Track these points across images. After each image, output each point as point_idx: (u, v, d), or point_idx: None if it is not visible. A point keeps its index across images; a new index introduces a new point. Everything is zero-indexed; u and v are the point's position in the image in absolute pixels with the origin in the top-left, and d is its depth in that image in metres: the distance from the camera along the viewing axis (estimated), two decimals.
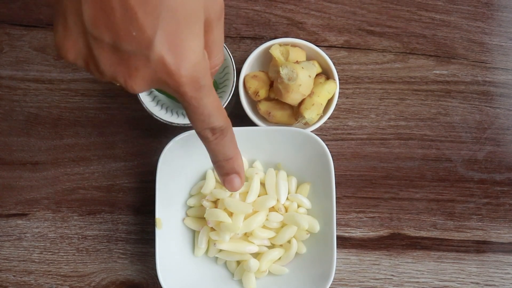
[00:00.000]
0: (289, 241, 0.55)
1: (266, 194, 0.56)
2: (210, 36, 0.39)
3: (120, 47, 0.35)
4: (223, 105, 0.58)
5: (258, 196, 0.55)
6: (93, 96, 0.61)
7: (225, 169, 0.46)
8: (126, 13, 0.34)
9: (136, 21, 0.34)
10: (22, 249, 0.60)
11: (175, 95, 0.38)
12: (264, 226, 0.55)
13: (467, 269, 0.59)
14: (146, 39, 0.35)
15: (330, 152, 0.54)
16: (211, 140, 0.43)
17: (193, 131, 0.54)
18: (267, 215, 0.55)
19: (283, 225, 0.55)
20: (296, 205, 0.56)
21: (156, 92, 0.57)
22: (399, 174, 0.60)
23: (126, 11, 0.34)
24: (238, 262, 0.56)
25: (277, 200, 0.55)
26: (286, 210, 0.55)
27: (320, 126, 0.58)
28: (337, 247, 0.55)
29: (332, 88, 0.57)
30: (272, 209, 0.55)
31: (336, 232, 0.54)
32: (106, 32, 0.35)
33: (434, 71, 0.61)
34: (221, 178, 0.47)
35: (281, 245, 0.56)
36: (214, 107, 0.40)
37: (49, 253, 0.60)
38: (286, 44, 0.58)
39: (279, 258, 0.56)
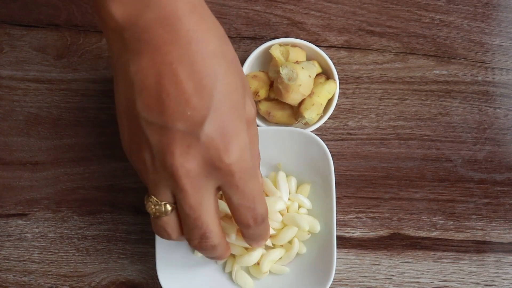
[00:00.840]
0: (290, 242, 0.55)
1: (267, 195, 0.56)
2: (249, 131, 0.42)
3: (174, 127, 0.38)
4: None
5: None
6: (93, 96, 0.61)
7: (256, 242, 0.49)
8: (182, 97, 0.38)
9: (191, 103, 0.38)
10: (22, 249, 0.60)
11: (222, 179, 0.40)
12: None
13: (467, 269, 0.59)
14: (199, 119, 0.38)
15: (330, 152, 0.54)
16: (252, 227, 0.44)
17: None
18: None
19: (284, 225, 0.55)
20: (297, 206, 0.56)
21: None
22: (399, 174, 0.60)
23: (182, 95, 0.37)
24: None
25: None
26: (287, 210, 0.55)
27: (320, 126, 0.58)
28: (337, 247, 0.55)
29: (332, 88, 0.57)
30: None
31: (336, 232, 0.54)
32: (160, 115, 0.38)
33: (434, 71, 0.61)
34: (250, 243, 0.49)
35: (281, 245, 0.56)
36: (259, 193, 0.42)
37: (49, 253, 0.60)
38: (286, 44, 0.58)
39: (280, 258, 0.56)
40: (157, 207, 0.42)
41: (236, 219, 0.44)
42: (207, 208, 0.42)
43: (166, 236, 0.44)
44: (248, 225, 0.44)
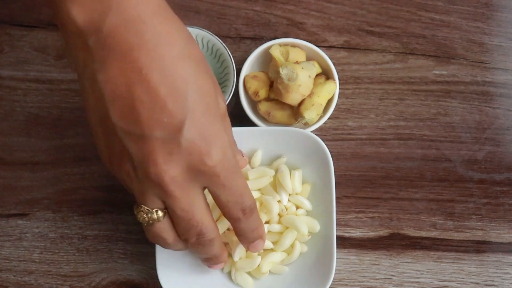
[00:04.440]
0: (291, 245, 0.55)
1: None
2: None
3: (152, 135, 0.37)
4: None
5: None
6: None
7: (251, 239, 0.48)
8: (157, 103, 0.37)
9: (167, 109, 0.37)
10: (22, 249, 0.60)
11: (208, 181, 0.41)
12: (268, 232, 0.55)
13: (467, 269, 0.59)
14: (177, 124, 0.37)
15: (330, 152, 0.54)
16: (242, 219, 0.44)
17: None
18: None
19: (284, 228, 0.55)
20: (295, 208, 0.55)
21: None
22: (399, 174, 0.60)
23: (156, 101, 0.37)
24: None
25: (279, 201, 0.55)
26: (287, 212, 0.55)
27: (320, 126, 0.59)
28: (337, 247, 0.55)
29: (332, 89, 0.57)
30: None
31: (336, 232, 0.54)
32: (136, 125, 0.37)
33: (434, 71, 0.61)
34: (246, 245, 0.49)
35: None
36: (245, 187, 0.43)
37: (49, 253, 0.60)
38: (286, 45, 0.58)
39: (282, 261, 0.56)
40: (149, 215, 0.42)
41: (225, 214, 0.44)
42: (199, 208, 0.42)
43: (162, 241, 0.44)
44: (238, 218, 0.44)
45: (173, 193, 0.39)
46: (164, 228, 0.43)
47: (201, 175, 0.40)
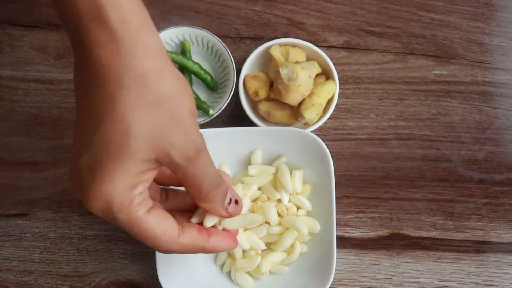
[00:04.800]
0: (292, 245, 0.55)
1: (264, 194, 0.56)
2: (182, 174, 0.39)
3: (76, 166, 0.38)
4: (223, 105, 0.58)
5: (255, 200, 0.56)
6: None
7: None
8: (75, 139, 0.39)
9: (74, 143, 0.38)
10: (22, 249, 0.60)
11: None
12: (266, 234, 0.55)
13: (467, 269, 0.59)
14: (76, 161, 0.38)
15: (330, 152, 0.54)
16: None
17: None
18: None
19: (284, 229, 0.55)
20: (296, 208, 0.56)
21: None
22: (399, 174, 0.60)
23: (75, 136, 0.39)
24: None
25: (280, 200, 0.55)
26: (287, 212, 0.55)
27: (320, 126, 0.59)
28: (337, 247, 0.55)
29: (332, 88, 0.57)
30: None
31: (336, 232, 0.54)
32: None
33: (434, 71, 0.61)
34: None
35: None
36: (145, 238, 0.40)
37: (49, 253, 0.60)
38: (286, 45, 0.58)
39: (282, 261, 0.56)
40: None
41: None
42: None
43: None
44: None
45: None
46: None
47: None
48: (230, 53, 0.58)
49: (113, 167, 0.36)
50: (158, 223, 0.40)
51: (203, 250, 0.43)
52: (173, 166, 0.38)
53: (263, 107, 0.58)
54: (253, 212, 0.55)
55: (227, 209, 0.43)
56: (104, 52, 0.36)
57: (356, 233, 0.60)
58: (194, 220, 0.44)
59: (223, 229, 0.45)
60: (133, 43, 0.36)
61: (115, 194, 0.37)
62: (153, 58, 0.37)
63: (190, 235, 0.42)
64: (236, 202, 0.44)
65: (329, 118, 0.59)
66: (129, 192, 0.37)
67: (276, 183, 0.56)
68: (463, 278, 0.59)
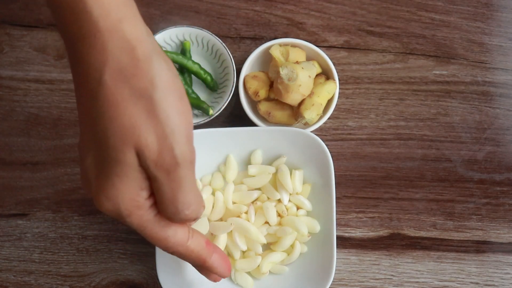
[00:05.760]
0: (291, 245, 0.55)
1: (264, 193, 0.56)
2: (156, 187, 0.36)
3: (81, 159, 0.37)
4: (223, 105, 0.58)
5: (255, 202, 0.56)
6: None
7: (204, 275, 0.45)
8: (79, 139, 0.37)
9: (79, 141, 0.37)
10: (22, 249, 0.60)
11: None
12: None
13: (467, 269, 0.59)
14: (83, 162, 0.37)
15: (330, 152, 0.54)
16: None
17: (193, 132, 0.54)
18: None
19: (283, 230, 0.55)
20: (296, 209, 0.56)
21: None
22: (399, 174, 0.60)
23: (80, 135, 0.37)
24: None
25: (280, 200, 0.55)
26: (287, 212, 0.56)
27: (320, 126, 0.59)
28: (337, 247, 0.55)
29: (332, 89, 0.57)
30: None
31: (336, 232, 0.54)
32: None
33: (434, 71, 0.61)
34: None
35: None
36: (155, 240, 0.39)
37: (49, 253, 0.60)
38: (286, 45, 0.58)
39: (282, 261, 0.56)
40: None
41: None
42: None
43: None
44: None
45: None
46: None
47: None
48: (230, 53, 0.58)
49: (115, 173, 0.35)
50: (168, 225, 0.38)
51: (203, 263, 0.42)
52: (152, 178, 0.35)
53: (263, 107, 0.58)
54: (255, 212, 0.55)
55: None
56: (83, 46, 0.34)
57: (356, 233, 0.60)
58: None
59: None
60: (111, 37, 0.34)
61: (120, 201, 0.35)
62: (131, 51, 0.34)
63: (198, 243, 0.41)
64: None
65: (329, 118, 0.59)
66: (135, 197, 0.36)
67: (276, 183, 0.56)
68: (463, 278, 0.59)
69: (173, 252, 0.40)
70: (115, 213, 0.36)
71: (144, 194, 0.36)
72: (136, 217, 0.36)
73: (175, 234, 0.39)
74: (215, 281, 0.46)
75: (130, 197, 0.35)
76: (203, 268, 0.43)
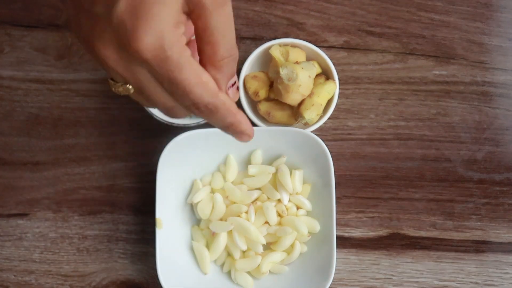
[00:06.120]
0: (291, 245, 0.55)
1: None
2: (204, 22, 0.35)
3: (93, 10, 0.35)
4: None
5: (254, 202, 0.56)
6: (94, 96, 0.61)
7: (230, 132, 0.41)
8: None
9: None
10: (22, 249, 0.60)
11: (146, 68, 0.35)
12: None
13: (467, 268, 0.59)
14: (108, 13, 0.34)
15: (330, 152, 0.54)
16: (199, 114, 0.38)
17: (193, 132, 0.55)
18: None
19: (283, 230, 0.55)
20: (296, 208, 0.56)
21: None
22: (399, 174, 0.60)
23: None
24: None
25: (280, 200, 0.55)
26: (287, 212, 0.56)
27: (320, 126, 0.59)
28: (337, 247, 0.55)
29: (332, 89, 0.57)
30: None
31: (336, 232, 0.54)
32: (89, 1, 0.35)
33: (434, 72, 0.62)
34: (225, 87, 0.39)
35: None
36: (193, 84, 0.36)
37: (50, 253, 0.60)
38: (286, 45, 0.58)
39: (282, 261, 0.56)
40: (117, 88, 0.38)
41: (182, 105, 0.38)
42: (149, 87, 0.37)
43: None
44: (193, 112, 0.38)
45: (113, 71, 0.36)
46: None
47: (134, 58, 0.35)
48: None
49: (156, 2, 0.33)
50: (203, 70, 0.36)
51: (233, 116, 0.38)
52: (199, 9, 0.34)
53: (263, 107, 0.58)
54: (255, 212, 0.55)
55: (228, 89, 0.38)
56: None
57: (356, 233, 0.60)
58: None
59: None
60: None
61: (165, 30, 0.33)
62: None
63: (227, 97, 0.38)
64: (237, 88, 0.40)
65: (329, 118, 0.59)
66: (176, 29, 0.34)
67: (276, 183, 0.56)
68: (463, 278, 0.59)
69: (209, 102, 0.36)
70: (157, 46, 0.34)
71: (182, 28, 0.35)
72: (177, 49, 0.34)
73: (210, 81, 0.36)
74: (243, 139, 0.41)
75: (173, 26, 0.34)
76: (231, 124, 0.39)
